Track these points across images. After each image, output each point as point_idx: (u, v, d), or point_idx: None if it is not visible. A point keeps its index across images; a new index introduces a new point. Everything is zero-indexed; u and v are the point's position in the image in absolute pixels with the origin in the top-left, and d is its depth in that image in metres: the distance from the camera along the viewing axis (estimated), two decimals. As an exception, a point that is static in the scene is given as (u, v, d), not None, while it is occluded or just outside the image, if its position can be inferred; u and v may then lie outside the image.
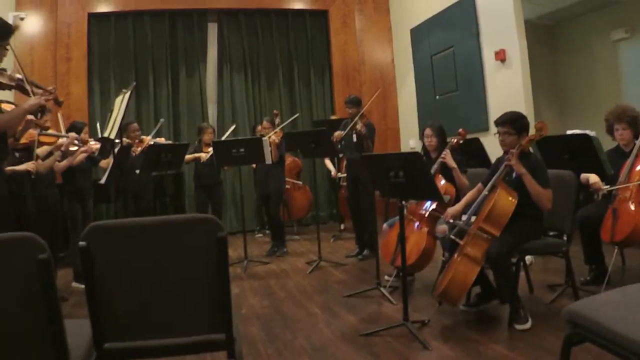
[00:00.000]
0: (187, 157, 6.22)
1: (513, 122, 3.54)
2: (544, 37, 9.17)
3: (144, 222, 1.75)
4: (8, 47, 3.00)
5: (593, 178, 4.12)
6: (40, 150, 4.44)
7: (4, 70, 3.10)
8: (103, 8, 8.35)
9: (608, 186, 4.13)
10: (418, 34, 8.43)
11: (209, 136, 6.54)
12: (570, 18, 8.75)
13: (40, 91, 3.18)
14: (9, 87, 3.12)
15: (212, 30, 9.02)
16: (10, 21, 6.96)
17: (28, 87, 3.12)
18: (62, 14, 8.09)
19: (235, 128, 7.50)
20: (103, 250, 1.72)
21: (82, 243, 1.67)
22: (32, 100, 3.06)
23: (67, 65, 8.11)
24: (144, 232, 1.74)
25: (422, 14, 8.26)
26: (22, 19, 7.45)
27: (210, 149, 6.24)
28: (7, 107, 3.27)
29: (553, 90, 9.18)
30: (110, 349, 1.80)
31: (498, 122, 3.61)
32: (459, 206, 3.80)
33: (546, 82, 8.94)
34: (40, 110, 3.26)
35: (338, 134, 5.78)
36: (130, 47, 8.50)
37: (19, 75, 3.14)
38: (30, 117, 3.43)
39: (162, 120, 7.01)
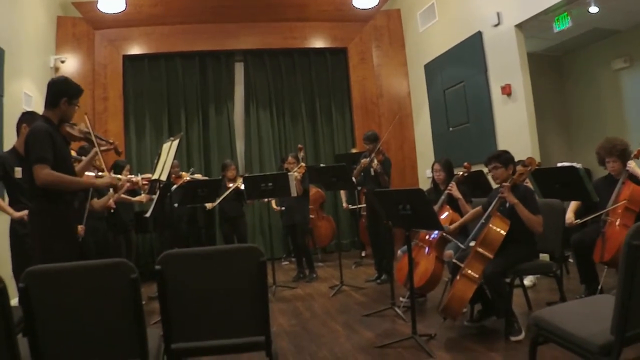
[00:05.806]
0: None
1: (497, 158, 4.09)
2: (551, 67, 9.63)
3: (204, 251, 2.32)
4: (78, 105, 3.60)
5: (568, 218, 4.61)
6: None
7: (75, 124, 3.69)
8: (136, 50, 8.99)
9: (578, 220, 4.61)
10: (431, 69, 8.90)
11: (232, 172, 7.12)
12: (574, 49, 9.22)
13: (103, 142, 3.78)
14: (79, 139, 3.72)
15: (239, 69, 9.62)
16: (51, 64, 7.83)
17: (94, 139, 3.72)
18: (98, 56, 8.70)
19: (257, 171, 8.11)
20: (174, 272, 2.27)
21: (157, 267, 2.23)
22: (106, 179, 3.67)
23: (104, 104, 8.68)
24: (204, 258, 2.30)
25: (434, 50, 8.71)
26: (62, 61, 8.17)
27: (231, 185, 6.85)
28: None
29: (561, 118, 9.60)
30: (176, 348, 2.35)
31: (486, 163, 4.15)
32: (456, 224, 4.46)
33: (554, 110, 9.38)
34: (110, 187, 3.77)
35: (357, 172, 6.22)
36: (162, 86, 9.11)
37: (86, 129, 3.74)
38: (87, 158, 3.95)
39: (192, 169, 7.65)
